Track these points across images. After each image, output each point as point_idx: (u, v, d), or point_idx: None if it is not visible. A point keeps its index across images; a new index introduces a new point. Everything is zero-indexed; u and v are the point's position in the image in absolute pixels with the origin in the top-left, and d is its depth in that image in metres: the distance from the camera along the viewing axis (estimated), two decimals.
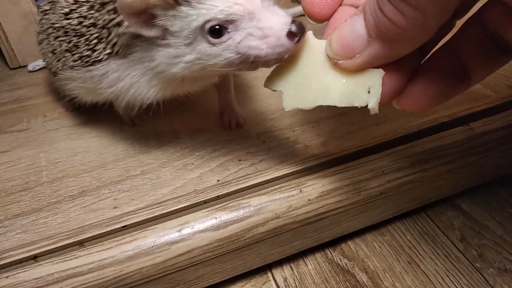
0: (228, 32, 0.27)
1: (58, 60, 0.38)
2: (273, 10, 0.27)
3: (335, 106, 0.25)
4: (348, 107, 0.24)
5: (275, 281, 0.34)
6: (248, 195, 0.33)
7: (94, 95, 0.39)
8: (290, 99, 0.26)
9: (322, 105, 0.25)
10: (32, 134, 0.45)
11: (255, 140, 0.42)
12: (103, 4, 0.32)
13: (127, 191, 0.37)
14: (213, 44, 0.27)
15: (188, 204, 0.32)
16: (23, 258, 0.29)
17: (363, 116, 0.45)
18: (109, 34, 0.32)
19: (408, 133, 0.38)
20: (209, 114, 0.47)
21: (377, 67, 0.23)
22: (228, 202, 0.32)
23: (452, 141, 0.37)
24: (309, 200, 0.33)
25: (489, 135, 0.38)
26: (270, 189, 0.33)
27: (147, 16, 0.28)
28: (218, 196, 0.33)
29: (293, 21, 0.26)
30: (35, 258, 0.30)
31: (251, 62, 0.27)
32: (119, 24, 0.31)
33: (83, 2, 0.34)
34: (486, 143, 0.38)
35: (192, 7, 0.26)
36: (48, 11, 0.39)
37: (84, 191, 0.37)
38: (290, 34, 0.25)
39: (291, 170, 0.35)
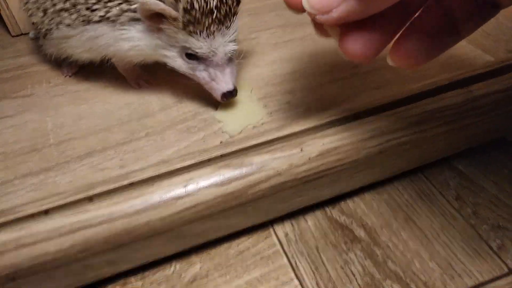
0: (197, 60, 0.38)
1: (51, 19, 0.39)
2: (231, 72, 0.39)
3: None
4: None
5: (277, 235, 0.36)
6: (251, 154, 0.33)
7: (90, 53, 0.40)
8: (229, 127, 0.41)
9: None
10: (37, 99, 0.46)
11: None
12: None
13: (133, 152, 0.38)
14: (184, 60, 0.39)
15: (192, 162, 0.33)
16: (35, 212, 0.31)
17: (365, 80, 0.45)
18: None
19: (408, 95, 0.38)
20: None
21: (356, 22, 0.23)
22: (231, 159, 0.33)
23: (451, 103, 0.38)
24: (309, 158, 0.34)
25: (487, 98, 0.39)
26: (272, 148, 0.34)
27: (157, 17, 0.36)
28: (221, 155, 0.34)
29: (231, 91, 0.39)
30: (46, 212, 0.31)
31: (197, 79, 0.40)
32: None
33: None
34: (484, 105, 0.39)
35: (186, 35, 0.36)
36: None
37: (91, 152, 0.38)
38: (223, 95, 0.39)
39: (292, 131, 0.36)
